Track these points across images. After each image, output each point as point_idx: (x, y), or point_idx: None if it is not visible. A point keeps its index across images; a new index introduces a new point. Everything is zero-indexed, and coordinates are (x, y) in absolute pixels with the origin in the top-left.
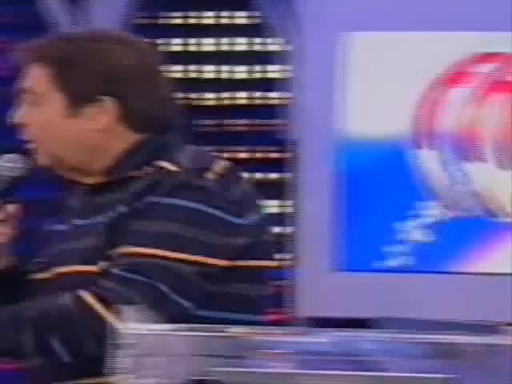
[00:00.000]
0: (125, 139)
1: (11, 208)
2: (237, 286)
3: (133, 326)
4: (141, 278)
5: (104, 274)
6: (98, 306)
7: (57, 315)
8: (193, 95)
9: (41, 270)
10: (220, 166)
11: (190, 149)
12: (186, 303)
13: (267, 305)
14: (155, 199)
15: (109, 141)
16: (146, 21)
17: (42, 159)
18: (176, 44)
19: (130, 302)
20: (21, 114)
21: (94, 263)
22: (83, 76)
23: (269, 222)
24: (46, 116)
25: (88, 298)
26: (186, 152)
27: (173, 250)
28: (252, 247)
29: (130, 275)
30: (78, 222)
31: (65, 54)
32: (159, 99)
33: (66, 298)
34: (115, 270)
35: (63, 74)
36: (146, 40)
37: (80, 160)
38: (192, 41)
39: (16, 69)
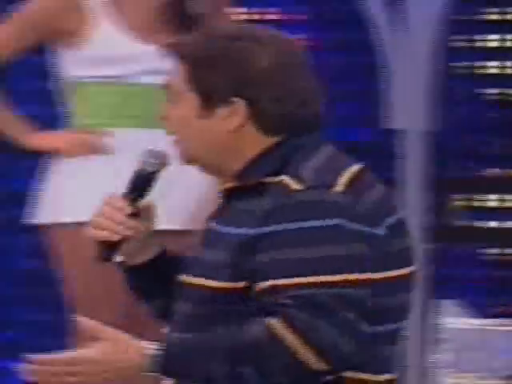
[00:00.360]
0: (257, 142)
1: (145, 203)
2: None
3: (452, 321)
4: (323, 308)
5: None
6: (289, 337)
7: (249, 346)
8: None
9: (186, 272)
10: (349, 173)
11: (324, 153)
12: (364, 326)
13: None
14: (290, 226)
15: (240, 143)
16: (462, 17)
17: (181, 156)
18: (492, 40)
19: (318, 331)
20: (164, 109)
21: (219, 279)
22: (216, 77)
23: (406, 226)
24: (182, 114)
25: (278, 327)
26: (316, 159)
27: (334, 273)
28: (389, 256)
29: (310, 306)
30: (216, 226)
31: (200, 53)
32: (296, 101)
33: (256, 327)
34: (290, 302)
35: (197, 74)
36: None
37: (213, 161)
38: (509, 37)
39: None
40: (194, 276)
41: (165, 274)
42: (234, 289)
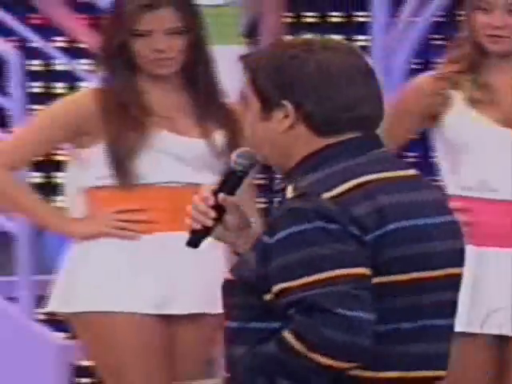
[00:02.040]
0: (312, 144)
1: (232, 199)
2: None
3: None
4: (319, 312)
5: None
6: (300, 347)
7: (271, 361)
8: None
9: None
10: (352, 183)
11: (350, 162)
12: (371, 316)
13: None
14: (281, 234)
15: (293, 144)
16: None
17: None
18: None
19: (324, 336)
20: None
21: (232, 271)
22: (269, 83)
23: (455, 227)
24: (250, 118)
25: (290, 338)
26: (335, 167)
27: (320, 272)
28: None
29: (306, 310)
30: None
31: (259, 62)
32: (341, 105)
33: (272, 343)
34: (293, 311)
35: (256, 81)
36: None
37: (277, 161)
38: None
39: None
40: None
41: None
42: (238, 281)
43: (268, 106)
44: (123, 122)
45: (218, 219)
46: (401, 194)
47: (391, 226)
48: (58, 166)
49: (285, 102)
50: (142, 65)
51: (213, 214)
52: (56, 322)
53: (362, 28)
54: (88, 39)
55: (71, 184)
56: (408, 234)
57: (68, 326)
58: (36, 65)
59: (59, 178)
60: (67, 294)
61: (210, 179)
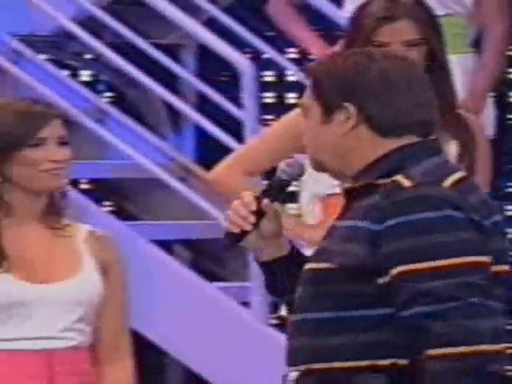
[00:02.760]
0: (377, 145)
1: (272, 206)
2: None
3: None
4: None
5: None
6: (454, 350)
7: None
8: None
9: (309, 262)
10: (454, 177)
11: (433, 161)
12: (497, 305)
13: None
14: (401, 219)
15: (359, 146)
16: None
17: (310, 162)
18: None
19: (470, 328)
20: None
21: (324, 262)
22: (331, 87)
23: (504, 228)
24: (310, 123)
25: (438, 351)
26: (424, 165)
27: (449, 258)
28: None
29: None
30: (336, 223)
31: (321, 69)
32: (400, 108)
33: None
34: (421, 314)
35: (318, 85)
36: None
37: (335, 164)
38: None
39: None
40: (312, 262)
41: (292, 271)
42: (338, 270)
43: (330, 109)
44: None
45: (256, 224)
46: (477, 192)
47: (498, 217)
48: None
49: (347, 105)
50: None
51: (252, 219)
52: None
53: None
54: (320, 51)
55: (306, 191)
56: (500, 227)
57: None
58: (269, 75)
59: (295, 185)
60: None
61: None
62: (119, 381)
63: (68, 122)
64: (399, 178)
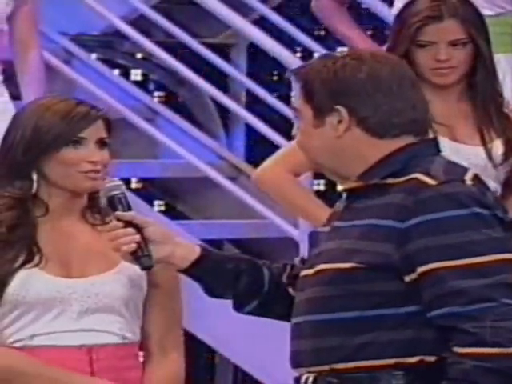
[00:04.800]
0: (377, 147)
1: (130, 213)
2: None
3: None
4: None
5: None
6: (496, 350)
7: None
8: None
9: (306, 267)
10: (470, 175)
11: (441, 160)
12: None
13: None
14: (428, 217)
15: (353, 148)
16: None
17: (310, 163)
18: None
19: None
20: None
21: (345, 261)
22: (321, 90)
23: None
24: (303, 126)
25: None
26: (437, 163)
27: (480, 255)
28: None
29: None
30: (337, 224)
31: (310, 72)
32: (392, 108)
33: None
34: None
35: (307, 89)
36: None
37: (333, 165)
38: None
39: None
40: (325, 263)
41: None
42: (363, 269)
43: (321, 112)
44: None
45: (140, 234)
46: (489, 189)
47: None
48: None
49: (338, 107)
50: (423, 74)
51: (129, 229)
52: None
53: None
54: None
55: None
56: None
57: None
58: None
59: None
60: None
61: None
62: (169, 375)
63: (110, 124)
64: (418, 176)
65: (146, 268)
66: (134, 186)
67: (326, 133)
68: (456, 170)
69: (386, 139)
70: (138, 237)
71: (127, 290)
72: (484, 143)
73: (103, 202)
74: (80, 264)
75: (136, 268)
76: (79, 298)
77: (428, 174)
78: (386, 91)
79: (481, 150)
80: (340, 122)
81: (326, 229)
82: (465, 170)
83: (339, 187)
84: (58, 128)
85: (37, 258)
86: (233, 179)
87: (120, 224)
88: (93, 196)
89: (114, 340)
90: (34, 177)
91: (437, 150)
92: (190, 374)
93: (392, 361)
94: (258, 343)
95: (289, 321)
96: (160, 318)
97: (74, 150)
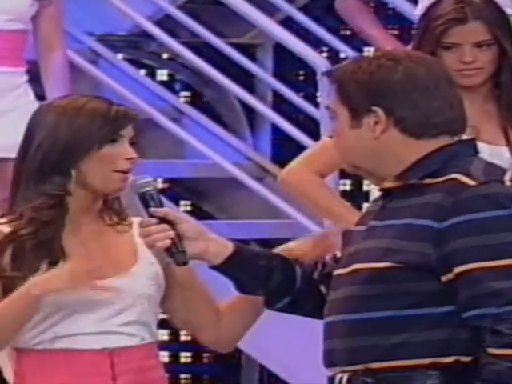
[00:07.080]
0: (414, 147)
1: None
2: None
3: None
4: None
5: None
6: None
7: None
8: None
9: (341, 266)
10: (509, 176)
11: (479, 161)
12: None
13: None
14: (467, 217)
15: (391, 149)
16: None
17: (344, 164)
18: None
19: None
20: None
21: (381, 261)
22: (357, 91)
23: None
24: (339, 128)
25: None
26: (476, 164)
27: None
28: None
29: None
30: (373, 223)
31: (345, 74)
32: (429, 108)
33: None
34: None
35: (343, 91)
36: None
37: (370, 166)
38: None
39: None
40: (360, 262)
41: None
42: (399, 268)
43: (357, 113)
44: None
45: (174, 230)
46: None
47: None
48: None
49: (375, 108)
50: None
51: (163, 225)
52: None
53: None
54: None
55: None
56: None
57: None
58: None
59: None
60: None
61: None
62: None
63: (137, 124)
64: (458, 176)
65: (181, 264)
66: (160, 186)
67: (363, 134)
68: (495, 171)
69: (424, 139)
70: (172, 233)
71: (147, 288)
72: (509, 143)
73: (135, 199)
74: (101, 265)
75: (154, 267)
76: (101, 301)
77: (467, 175)
78: (423, 91)
79: (505, 150)
80: (377, 123)
81: (361, 228)
82: (503, 171)
83: (372, 186)
84: (101, 126)
85: (61, 260)
86: (259, 179)
87: (154, 220)
88: (107, 198)
89: (134, 342)
90: (73, 174)
91: (475, 150)
92: (216, 374)
93: (427, 361)
94: (284, 343)
95: (319, 318)
96: (201, 298)
97: (113, 147)
